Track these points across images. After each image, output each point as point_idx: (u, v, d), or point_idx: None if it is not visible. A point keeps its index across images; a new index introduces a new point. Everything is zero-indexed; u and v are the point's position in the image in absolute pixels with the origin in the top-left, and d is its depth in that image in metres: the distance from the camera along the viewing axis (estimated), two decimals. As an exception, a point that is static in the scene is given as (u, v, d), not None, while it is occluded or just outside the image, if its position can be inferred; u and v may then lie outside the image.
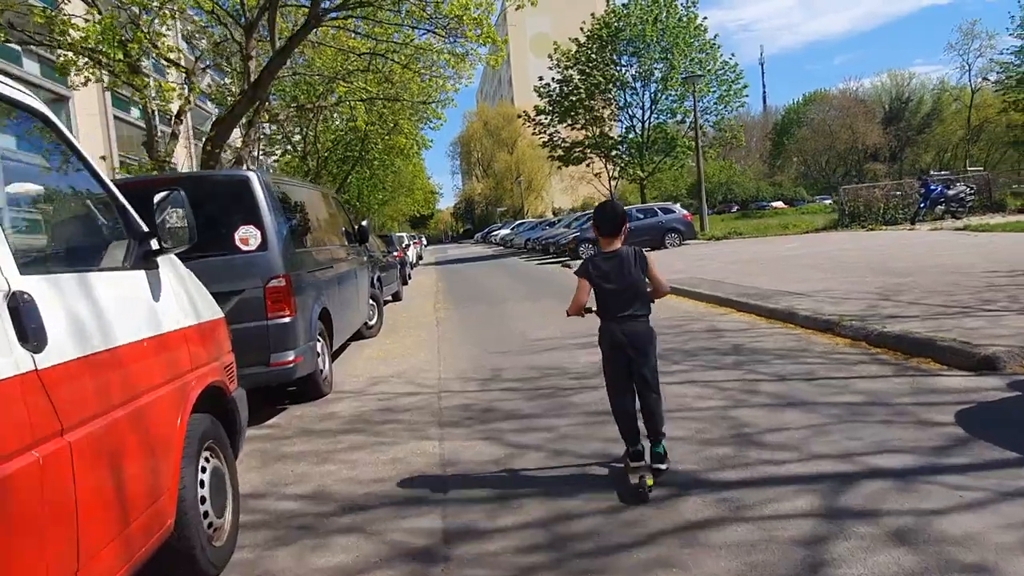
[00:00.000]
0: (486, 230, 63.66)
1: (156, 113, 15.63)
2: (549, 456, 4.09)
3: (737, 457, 3.70)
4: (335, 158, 27.99)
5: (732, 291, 9.63)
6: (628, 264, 3.54)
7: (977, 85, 53.52)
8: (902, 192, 22.27)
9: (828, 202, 63.22)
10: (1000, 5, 79.88)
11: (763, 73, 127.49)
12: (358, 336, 9.60)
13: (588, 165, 35.56)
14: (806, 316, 7.21)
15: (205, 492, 2.92)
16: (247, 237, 5.52)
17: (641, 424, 3.61)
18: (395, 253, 18.49)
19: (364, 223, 9.35)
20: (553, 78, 33.24)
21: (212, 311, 3.37)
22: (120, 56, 12.89)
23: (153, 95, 14.64)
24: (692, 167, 36.79)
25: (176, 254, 3.12)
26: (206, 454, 3.04)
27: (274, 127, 26.76)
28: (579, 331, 7.44)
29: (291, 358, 5.60)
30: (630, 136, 32.97)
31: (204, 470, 2.96)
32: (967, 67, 52.51)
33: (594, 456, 3.99)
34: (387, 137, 25.00)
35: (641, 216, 22.95)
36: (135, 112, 33.25)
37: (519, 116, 34.81)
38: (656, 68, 31.97)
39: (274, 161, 32.21)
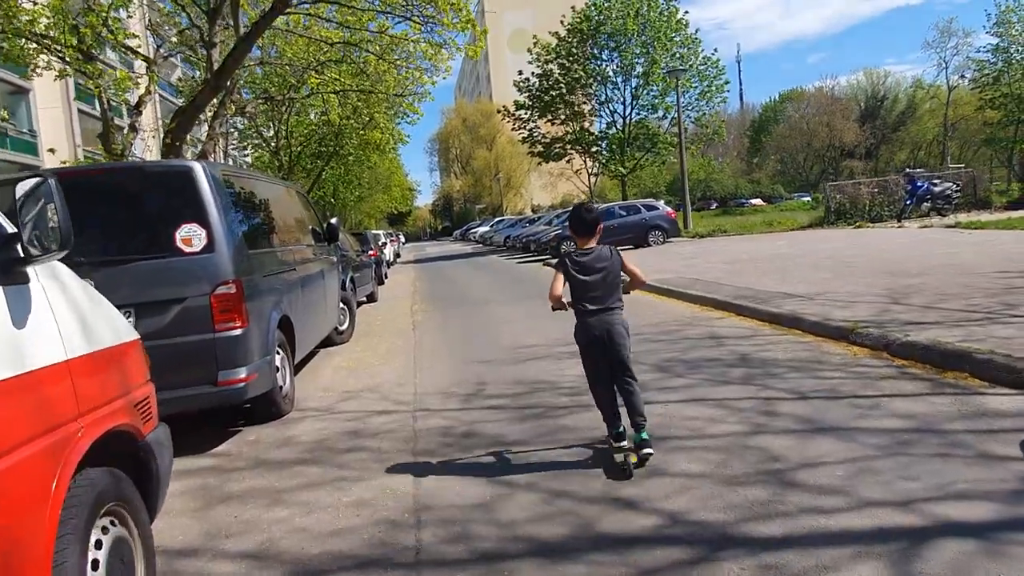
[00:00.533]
0: (465, 227, 62.93)
1: (112, 104, 14.66)
2: (544, 500, 3.42)
3: (773, 503, 3.07)
4: (308, 153, 27.09)
5: (729, 293, 9.05)
6: (603, 260, 3.84)
7: (954, 83, 53.70)
8: (887, 189, 21.92)
9: (807, 199, 63.66)
10: (972, 5, 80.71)
11: (740, 71, 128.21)
12: (327, 343, 8.88)
13: (568, 161, 34.97)
14: (814, 322, 6.63)
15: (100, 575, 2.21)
16: (190, 237, 4.78)
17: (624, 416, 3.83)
18: (370, 252, 17.75)
19: (334, 220, 8.62)
20: (533, 72, 32.58)
21: (117, 334, 2.65)
22: (73, 42, 11.99)
23: (108, 85, 13.71)
24: (674, 163, 36.38)
25: (65, 261, 2.41)
26: (105, 522, 2.33)
27: (245, 122, 25.83)
28: (567, 338, 6.85)
29: (242, 376, 4.87)
30: (611, 132, 32.39)
31: (100, 545, 2.25)
32: (944, 64, 52.58)
33: (597, 498, 3.34)
34: (362, 132, 24.21)
35: (624, 213, 22.41)
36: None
37: (498, 111, 34.08)
38: (637, 63, 31.44)
39: (245, 157, 31.22)
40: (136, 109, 14.34)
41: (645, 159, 33.01)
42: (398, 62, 17.45)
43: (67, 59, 12.45)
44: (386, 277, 21.40)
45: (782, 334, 6.73)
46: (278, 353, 5.60)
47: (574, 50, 31.28)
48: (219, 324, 4.80)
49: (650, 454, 3.65)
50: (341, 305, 9.32)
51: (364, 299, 14.22)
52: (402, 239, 59.28)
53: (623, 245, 22.29)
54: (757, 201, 75.59)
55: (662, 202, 23.93)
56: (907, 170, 25.18)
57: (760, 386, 4.98)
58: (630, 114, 32.71)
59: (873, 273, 9.49)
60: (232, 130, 25.07)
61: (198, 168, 5.03)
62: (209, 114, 14.10)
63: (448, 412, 5.27)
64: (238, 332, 4.87)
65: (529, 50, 32.59)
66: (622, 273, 3.94)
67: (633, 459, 3.64)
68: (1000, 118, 39.06)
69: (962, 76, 50.37)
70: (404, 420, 5.15)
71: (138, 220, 4.95)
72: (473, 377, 6.34)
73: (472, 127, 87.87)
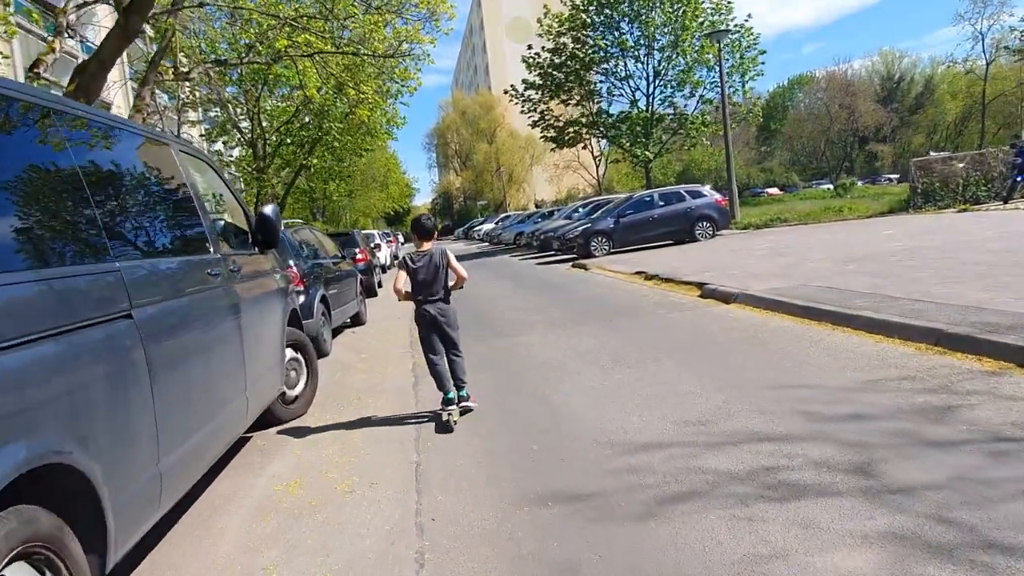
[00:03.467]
0: (467, 225, 59.13)
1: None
2: None
3: None
4: (290, 142, 23.20)
5: (953, 316, 5.26)
6: (435, 260, 4.86)
7: (992, 55, 49.71)
8: (984, 164, 18.10)
9: (827, 187, 59.90)
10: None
11: (743, 58, 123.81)
12: (262, 423, 5.11)
13: (584, 147, 31.17)
14: None
15: None
16: None
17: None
18: (358, 256, 13.97)
19: (267, 210, 4.84)
20: (544, 47, 28.73)
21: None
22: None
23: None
24: (692, 151, 32.70)
25: None
26: None
27: (217, 109, 22.01)
28: (707, 413, 3.70)
29: None
30: (633, 112, 28.52)
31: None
32: (979, 36, 48.50)
33: None
34: (349, 113, 20.42)
35: (662, 203, 18.59)
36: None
37: (505, 91, 30.17)
38: (662, 33, 27.58)
39: (228, 154, 27.30)
40: (31, 70, 10.56)
41: (672, 142, 29.21)
42: (388, 13, 13.71)
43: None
44: (380, 286, 17.61)
45: None
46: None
47: (591, 19, 27.42)
48: None
49: (470, 408, 4.99)
50: (292, 354, 5.55)
51: (348, 321, 10.46)
52: (401, 239, 55.56)
53: (662, 241, 18.50)
54: (773, 190, 71.85)
55: (708, 187, 20.16)
56: (1015, 140, 21.39)
57: None
58: (653, 91, 28.91)
59: None
60: (180, 105, 21.21)
61: None
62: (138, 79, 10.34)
63: None
64: None
65: (539, 21, 28.72)
66: (449, 271, 4.91)
67: (456, 417, 4.79)
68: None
69: (1005, 48, 46.34)
70: None
71: None
72: (544, 550, 2.60)
73: (471, 120, 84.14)
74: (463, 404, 4.95)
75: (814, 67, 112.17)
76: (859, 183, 51.21)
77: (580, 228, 18.59)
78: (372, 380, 6.70)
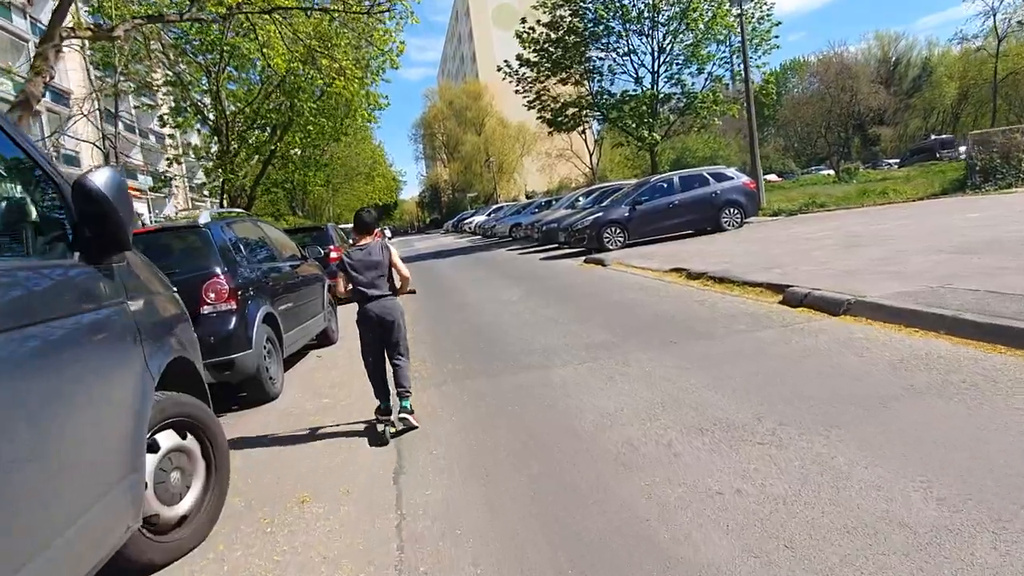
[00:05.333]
0: (457, 218, 56.58)
1: None
2: None
3: None
4: (260, 124, 20.55)
5: None
6: (375, 255, 4.48)
7: (1006, 31, 47.42)
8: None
9: (826, 172, 57.78)
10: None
11: (731, 45, 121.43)
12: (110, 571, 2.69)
13: (583, 131, 28.75)
14: None
15: None
16: None
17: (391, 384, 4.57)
18: (332, 255, 11.57)
19: (97, 180, 2.43)
20: (539, 20, 26.21)
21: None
22: None
23: None
24: (716, 128, 30.43)
25: None
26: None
27: (177, 91, 19.40)
28: None
29: None
30: (638, 91, 26.11)
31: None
32: (991, 11, 46.21)
33: None
34: (324, 92, 17.95)
35: (682, 188, 16.23)
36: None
37: (498, 69, 27.63)
38: (668, 3, 25.16)
39: (175, 146, 24.64)
40: None
41: (680, 124, 26.84)
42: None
43: None
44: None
45: None
46: None
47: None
48: None
49: (412, 426, 4.43)
50: (175, 442, 3.12)
51: (315, 339, 8.05)
52: (388, 233, 53.03)
53: (683, 231, 16.16)
54: (772, 177, 69.68)
55: (734, 168, 17.81)
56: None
57: None
58: (658, 69, 26.49)
59: None
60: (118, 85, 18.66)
61: None
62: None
63: None
64: None
65: (534, -9, 26.20)
66: (389, 267, 4.51)
67: (392, 429, 4.40)
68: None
69: (1019, 23, 44.18)
70: None
71: None
72: None
73: (458, 111, 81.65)
74: (404, 417, 4.49)
75: (803, 53, 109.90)
76: (863, 168, 49.25)
77: (591, 218, 16.20)
78: (332, 455, 4.31)
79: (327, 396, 5.81)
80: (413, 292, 4.82)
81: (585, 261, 14.21)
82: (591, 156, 56.08)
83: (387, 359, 4.61)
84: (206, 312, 5.32)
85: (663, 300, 8.07)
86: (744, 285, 7.88)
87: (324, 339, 8.22)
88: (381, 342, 4.56)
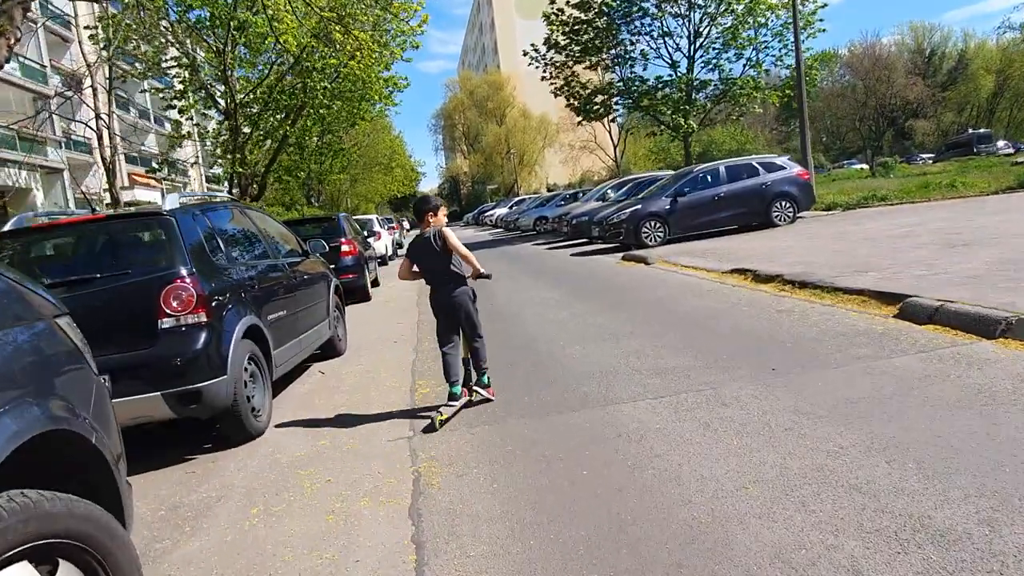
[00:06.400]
0: (477, 210, 55.26)
1: None
2: None
3: None
4: (277, 107, 19.22)
5: None
6: (434, 242, 4.40)
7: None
8: None
9: (859, 167, 55.65)
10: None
11: (771, 28, 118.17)
12: None
13: (613, 120, 27.29)
14: None
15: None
16: None
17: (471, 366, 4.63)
18: (343, 248, 10.30)
19: None
20: (568, 1, 24.70)
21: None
22: None
23: None
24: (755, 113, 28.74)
25: None
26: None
27: (186, 73, 18.19)
28: None
29: None
30: (673, 77, 24.55)
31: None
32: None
33: None
34: (338, 74, 16.70)
35: (728, 178, 14.74)
36: None
37: (524, 53, 26.15)
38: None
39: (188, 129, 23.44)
40: None
41: (717, 112, 25.27)
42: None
43: None
44: (376, 284, 13.92)
45: None
46: None
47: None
48: None
49: (488, 399, 4.60)
50: None
51: (318, 350, 6.75)
52: (406, 225, 51.77)
53: (729, 225, 14.67)
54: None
55: (786, 157, 16.26)
56: None
57: None
58: (694, 54, 24.93)
59: None
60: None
61: None
62: None
63: None
64: None
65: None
66: (448, 252, 4.43)
67: (441, 417, 4.25)
68: None
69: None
70: None
71: None
72: None
73: (479, 101, 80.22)
74: (477, 389, 4.63)
75: (831, 45, 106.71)
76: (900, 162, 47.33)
77: (628, 211, 14.77)
78: (323, 543, 2.99)
79: (326, 435, 4.50)
80: (487, 277, 4.67)
81: (623, 258, 12.82)
82: (615, 148, 54.45)
83: (464, 341, 4.60)
84: (166, 326, 4.03)
85: (736, 308, 6.69)
86: (836, 291, 6.47)
87: (330, 349, 6.92)
88: (455, 326, 4.55)
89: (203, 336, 4.09)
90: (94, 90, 14.31)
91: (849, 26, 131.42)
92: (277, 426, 4.81)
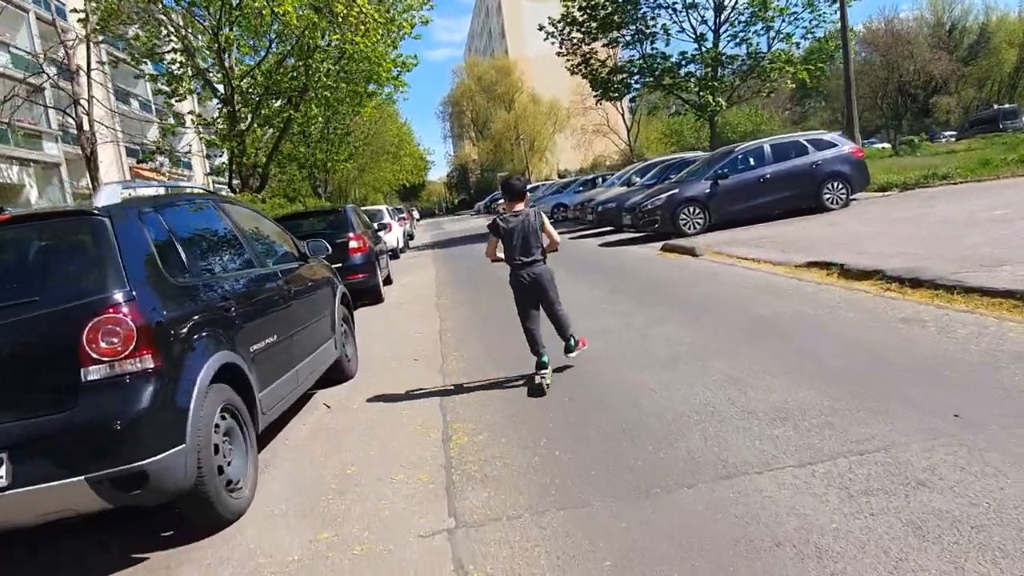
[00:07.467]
0: (489, 198, 53.71)
1: None
2: None
3: None
4: (275, 92, 17.91)
5: None
6: (531, 221, 4.63)
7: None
8: None
9: (880, 146, 53.73)
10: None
11: (787, 7, 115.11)
12: None
13: (633, 99, 25.78)
14: None
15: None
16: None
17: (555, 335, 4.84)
18: (351, 244, 9.03)
19: None
20: (585, -26, 23.14)
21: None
22: None
23: None
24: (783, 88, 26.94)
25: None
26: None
27: (180, 56, 16.89)
28: None
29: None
30: (698, 52, 23.01)
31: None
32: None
33: None
34: (343, 54, 15.36)
35: (774, 158, 13.31)
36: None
37: (540, 28, 24.61)
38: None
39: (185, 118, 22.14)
40: None
41: (745, 89, 23.73)
42: None
43: None
44: (389, 282, 12.63)
45: None
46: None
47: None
48: None
49: (575, 357, 4.91)
50: None
51: (319, 380, 5.43)
52: (416, 216, 50.39)
53: (776, 210, 13.24)
54: (823, 151, 65.41)
55: (837, 134, 14.78)
56: None
57: None
58: (719, 28, 23.37)
59: None
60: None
61: None
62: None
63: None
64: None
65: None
66: (541, 232, 4.69)
67: (548, 381, 4.57)
68: None
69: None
70: None
71: None
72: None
73: (488, 86, 78.54)
74: (568, 355, 4.91)
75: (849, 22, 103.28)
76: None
77: (664, 195, 13.39)
78: None
79: (331, 521, 3.20)
80: (555, 250, 4.93)
81: (664, 249, 11.47)
82: (628, 132, 52.81)
83: (546, 314, 4.80)
84: (93, 377, 2.75)
85: (836, 315, 5.35)
86: (969, 293, 5.13)
87: (336, 373, 5.63)
88: (536, 302, 4.74)
89: (149, 389, 2.82)
90: (74, 73, 13.07)
91: (866, 2, 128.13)
92: (262, 501, 3.53)
